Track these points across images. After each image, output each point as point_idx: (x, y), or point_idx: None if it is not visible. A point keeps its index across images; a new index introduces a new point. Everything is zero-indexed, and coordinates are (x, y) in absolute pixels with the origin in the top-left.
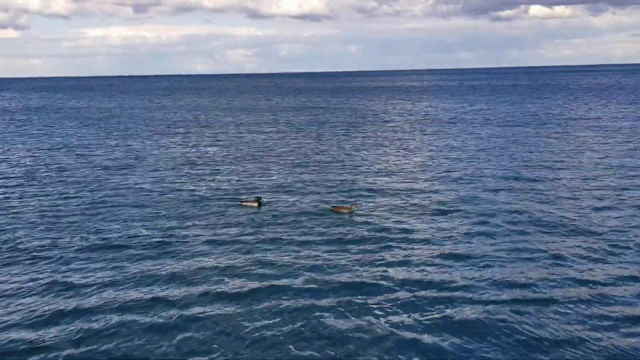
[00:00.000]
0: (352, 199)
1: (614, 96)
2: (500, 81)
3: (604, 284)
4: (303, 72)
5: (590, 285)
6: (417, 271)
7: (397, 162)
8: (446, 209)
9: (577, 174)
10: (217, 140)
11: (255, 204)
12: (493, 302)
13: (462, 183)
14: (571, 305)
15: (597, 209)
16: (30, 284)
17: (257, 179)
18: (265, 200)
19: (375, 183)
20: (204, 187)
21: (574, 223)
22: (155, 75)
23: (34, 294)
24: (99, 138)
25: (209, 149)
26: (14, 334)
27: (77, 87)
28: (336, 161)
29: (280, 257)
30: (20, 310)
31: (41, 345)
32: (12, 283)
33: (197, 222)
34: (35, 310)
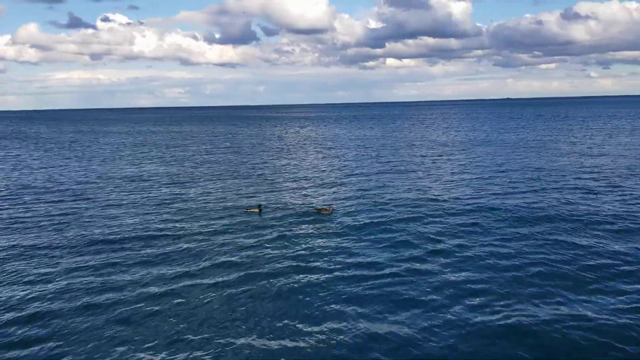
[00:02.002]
0: (331, 202)
1: (440, 123)
2: (366, 112)
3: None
4: (224, 106)
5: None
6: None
7: (296, 171)
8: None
9: (406, 173)
10: (164, 159)
11: (257, 210)
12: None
13: (343, 183)
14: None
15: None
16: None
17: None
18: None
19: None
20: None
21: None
22: (109, 109)
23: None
24: (62, 158)
25: (165, 167)
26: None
27: (45, 118)
28: (260, 170)
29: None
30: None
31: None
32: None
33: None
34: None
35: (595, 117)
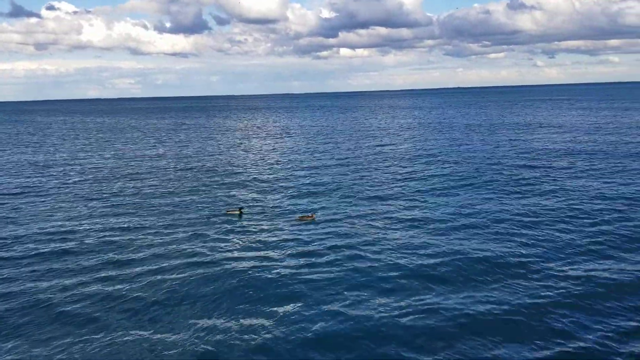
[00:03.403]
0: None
1: (393, 112)
2: (322, 102)
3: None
4: (176, 97)
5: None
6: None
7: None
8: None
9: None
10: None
11: (237, 212)
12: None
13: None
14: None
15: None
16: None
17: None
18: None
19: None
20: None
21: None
22: (55, 100)
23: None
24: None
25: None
26: None
27: None
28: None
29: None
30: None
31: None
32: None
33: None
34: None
35: (538, 105)
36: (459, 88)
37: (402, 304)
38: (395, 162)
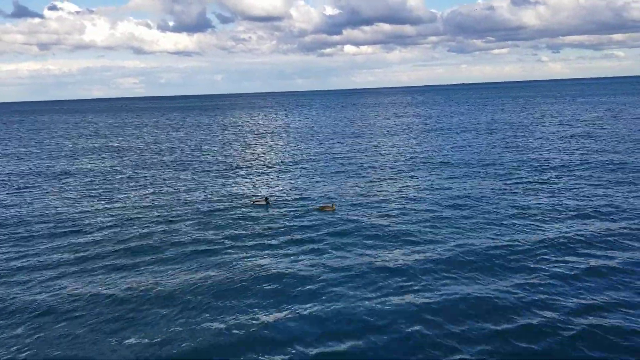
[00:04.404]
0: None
1: (395, 108)
2: (327, 101)
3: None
4: (181, 95)
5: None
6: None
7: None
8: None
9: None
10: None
11: (264, 202)
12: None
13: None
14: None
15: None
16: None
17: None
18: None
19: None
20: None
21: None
22: (59, 100)
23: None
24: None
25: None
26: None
27: None
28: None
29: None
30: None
31: None
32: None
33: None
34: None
35: (541, 101)
36: (462, 84)
37: (437, 297)
38: (417, 155)
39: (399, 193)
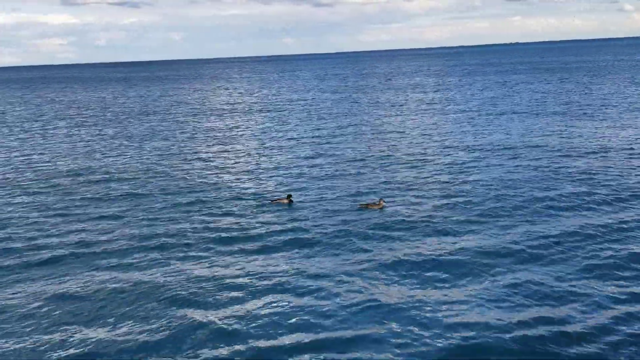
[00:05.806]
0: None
1: (421, 76)
2: (326, 67)
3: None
4: (125, 62)
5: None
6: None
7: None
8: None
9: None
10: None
11: (286, 201)
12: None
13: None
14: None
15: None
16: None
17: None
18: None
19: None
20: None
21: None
22: None
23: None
24: None
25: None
26: None
27: None
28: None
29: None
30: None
31: None
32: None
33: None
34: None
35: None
36: (516, 44)
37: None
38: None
39: (453, 186)
